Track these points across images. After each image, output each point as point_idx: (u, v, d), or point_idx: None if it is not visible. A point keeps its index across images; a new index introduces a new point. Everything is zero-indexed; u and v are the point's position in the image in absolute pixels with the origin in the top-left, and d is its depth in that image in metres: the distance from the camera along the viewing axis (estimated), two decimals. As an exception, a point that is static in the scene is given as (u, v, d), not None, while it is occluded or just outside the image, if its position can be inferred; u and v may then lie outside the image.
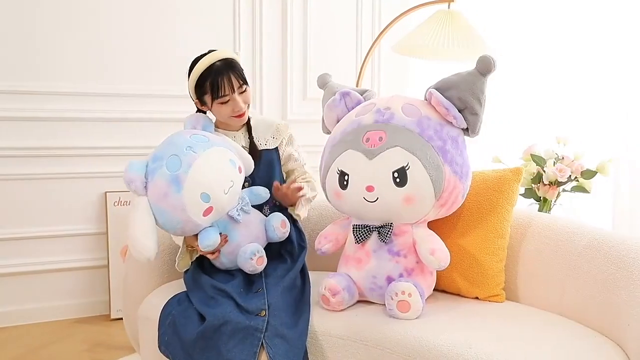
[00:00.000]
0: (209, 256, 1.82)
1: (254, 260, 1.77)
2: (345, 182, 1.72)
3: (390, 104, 1.75)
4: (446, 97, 1.69)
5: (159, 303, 1.82)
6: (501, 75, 2.17)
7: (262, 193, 1.90)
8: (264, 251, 1.81)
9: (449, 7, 2.64)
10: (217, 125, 1.98)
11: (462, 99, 1.69)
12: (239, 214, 1.79)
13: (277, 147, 2.01)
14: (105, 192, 3.05)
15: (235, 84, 1.85)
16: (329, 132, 1.91)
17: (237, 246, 1.79)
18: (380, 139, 1.67)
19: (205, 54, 1.90)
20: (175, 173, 1.66)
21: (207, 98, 1.87)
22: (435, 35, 2.55)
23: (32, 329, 2.89)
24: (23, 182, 2.93)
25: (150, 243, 1.66)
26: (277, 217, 1.87)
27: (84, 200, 3.05)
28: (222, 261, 1.83)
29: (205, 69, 1.85)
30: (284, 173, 2.04)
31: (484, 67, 1.66)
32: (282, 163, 2.03)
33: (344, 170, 1.72)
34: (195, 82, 1.88)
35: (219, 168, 1.72)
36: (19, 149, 2.90)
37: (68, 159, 2.99)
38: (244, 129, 2.00)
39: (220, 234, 1.77)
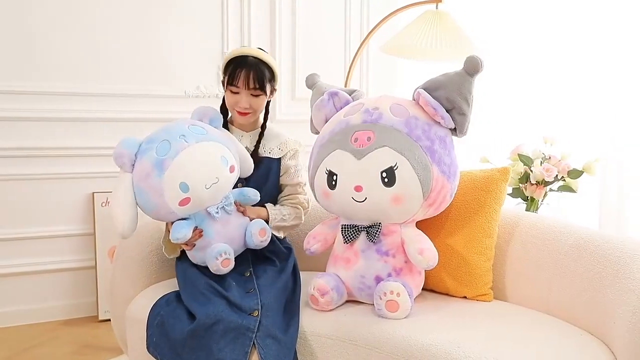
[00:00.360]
0: (183, 246, 1.82)
1: (219, 260, 1.75)
2: (333, 182, 1.72)
3: (378, 104, 1.75)
4: (434, 97, 1.70)
5: (147, 304, 1.81)
6: (489, 76, 2.18)
7: (251, 195, 1.89)
8: (232, 254, 1.79)
9: (437, 8, 2.65)
10: (231, 122, 2.01)
11: (450, 99, 1.69)
12: (217, 212, 1.78)
13: (280, 158, 2.02)
14: (93, 193, 3.03)
15: (251, 83, 1.88)
16: (317, 132, 1.91)
17: (209, 243, 1.78)
18: (369, 139, 1.68)
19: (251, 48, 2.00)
20: (161, 157, 1.67)
21: (225, 80, 1.94)
22: (423, 35, 2.56)
23: (19, 331, 2.87)
24: (9, 183, 2.91)
25: (126, 219, 1.69)
26: (258, 224, 1.84)
27: (71, 201, 3.03)
28: (193, 254, 1.83)
29: (237, 56, 1.92)
30: (281, 185, 2.06)
31: (472, 67, 1.66)
32: (280, 174, 2.04)
33: (332, 170, 1.72)
34: (225, 63, 1.95)
35: (206, 162, 1.72)
36: (4, 149, 2.87)
37: (55, 159, 2.97)
38: (254, 133, 2.02)
39: (196, 227, 1.76)
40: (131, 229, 1.70)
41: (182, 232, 1.73)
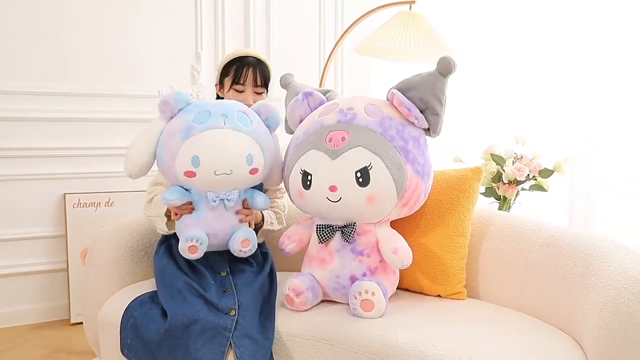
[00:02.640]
0: (171, 211, 1.79)
1: (187, 244, 1.71)
2: (308, 182, 1.72)
3: (352, 104, 1.76)
4: (408, 98, 1.71)
5: (120, 306, 1.79)
6: (462, 76, 2.20)
7: (259, 203, 1.83)
8: (205, 244, 1.73)
9: (410, 9, 2.67)
10: None
11: (423, 100, 1.70)
12: (214, 201, 1.74)
13: None
14: (64, 194, 2.99)
15: (258, 80, 2.02)
16: (291, 132, 1.91)
17: (191, 224, 1.75)
18: (343, 139, 1.68)
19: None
20: (193, 125, 1.68)
21: (227, 81, 2.04)
22: (396, 36, 2.58)
23: (-12, 335, 2.82)
24: (-22, 185, 2.86)
25: (141, 162, 1.71)
26: (245, 233, 1.79)
27: (42, 202, 2.98)
28: (177, 225, 1.78)
29: (238, 57, 2.04)
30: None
31: (445, 67, 1.68)
32: None
33: (307, 170, 1.73)
34: (223, 65, 2.05)
35: (228, 150, 1.68)
36: (-26, 150, 2.83)
37: (25, 160, 2.93)
38: None
39: (190, 203, 1.75)
40: (139, 173, 1.72)
41: (173, 196, 1.72)
